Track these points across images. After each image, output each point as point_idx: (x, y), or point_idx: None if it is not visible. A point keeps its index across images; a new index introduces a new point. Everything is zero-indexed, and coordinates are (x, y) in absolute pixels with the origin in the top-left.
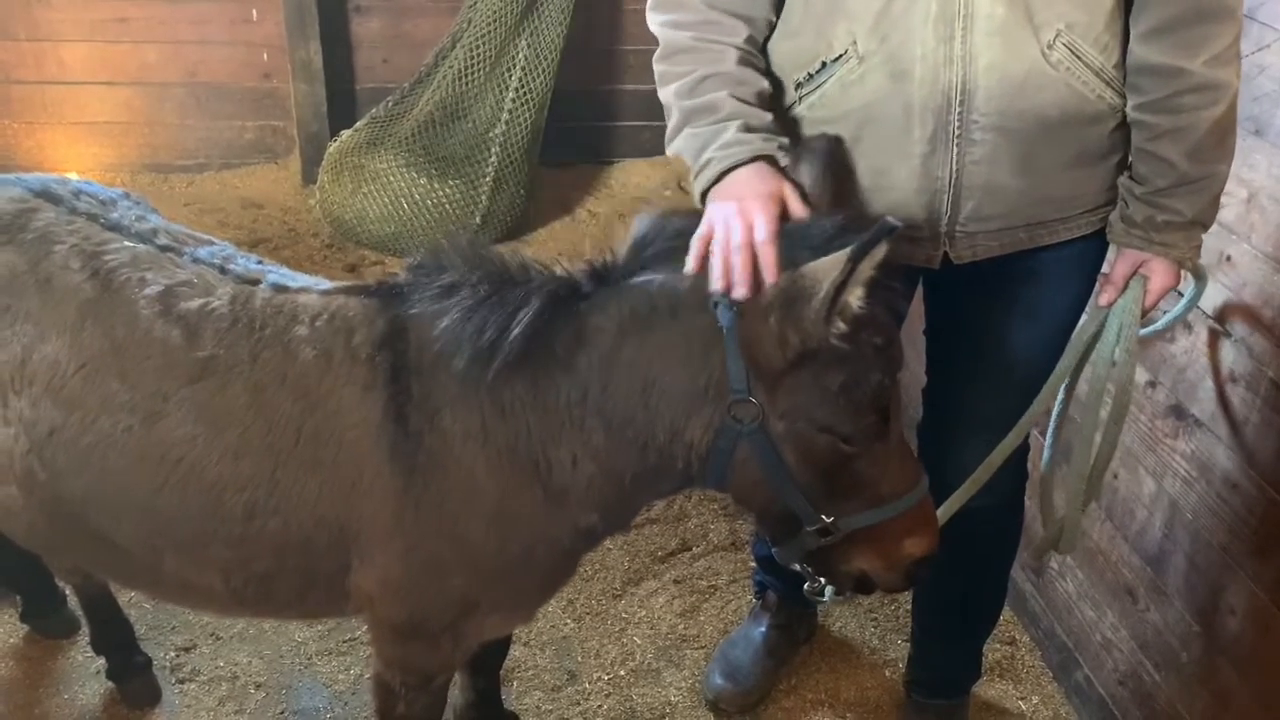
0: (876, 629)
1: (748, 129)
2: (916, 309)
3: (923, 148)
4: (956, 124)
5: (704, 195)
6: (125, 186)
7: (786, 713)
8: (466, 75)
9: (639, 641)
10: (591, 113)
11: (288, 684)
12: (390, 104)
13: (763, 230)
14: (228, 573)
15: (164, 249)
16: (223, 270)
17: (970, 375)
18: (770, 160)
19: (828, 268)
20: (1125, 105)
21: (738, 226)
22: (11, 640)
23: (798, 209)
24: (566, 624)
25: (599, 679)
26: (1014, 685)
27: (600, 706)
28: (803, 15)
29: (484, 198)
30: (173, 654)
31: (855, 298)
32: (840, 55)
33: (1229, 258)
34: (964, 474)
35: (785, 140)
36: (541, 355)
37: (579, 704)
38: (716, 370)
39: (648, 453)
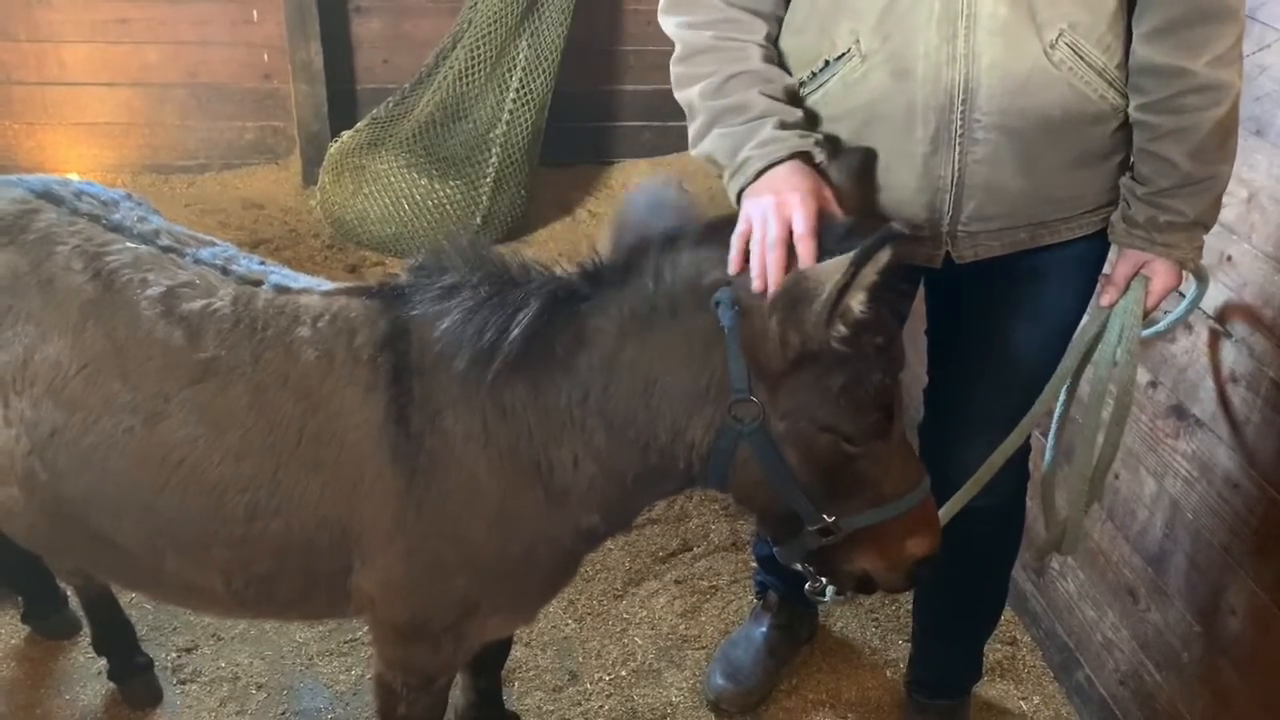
0: (878, 629)
1: (782, 126)
2: (918, 308)
3: (925, 147)
4: (959, 123)
5: (738, 194)
6: (126, 187)
7: (788, 713)
8: (467, 76)
9: (640, 642)
10: (592, 113)
11: (289, 685)
12: (391, 104)
13: (801, 224)
14: (229, 574)
15: (166, 250)
16: (225, 271)
17: (972, 375)
18: (806, 157)
19: (830, 270)
20: (1127, 105)
21: (774, 222)
22: (13, 641)
23: (834, 207)
24: (568, 624)
25: (600, 679)
26: (1015, 685)
27: (601, 707)
28: (807, 12)
29: (485, 198)
30: (174, 655)
31: (857, 302)
32: (843, 54)
33: (1229, 258)
34: (966, 474)
35: (820, 137)
36: (542, 356)
37: (580, 704)
38: (718, 370)
39: (649, 453)
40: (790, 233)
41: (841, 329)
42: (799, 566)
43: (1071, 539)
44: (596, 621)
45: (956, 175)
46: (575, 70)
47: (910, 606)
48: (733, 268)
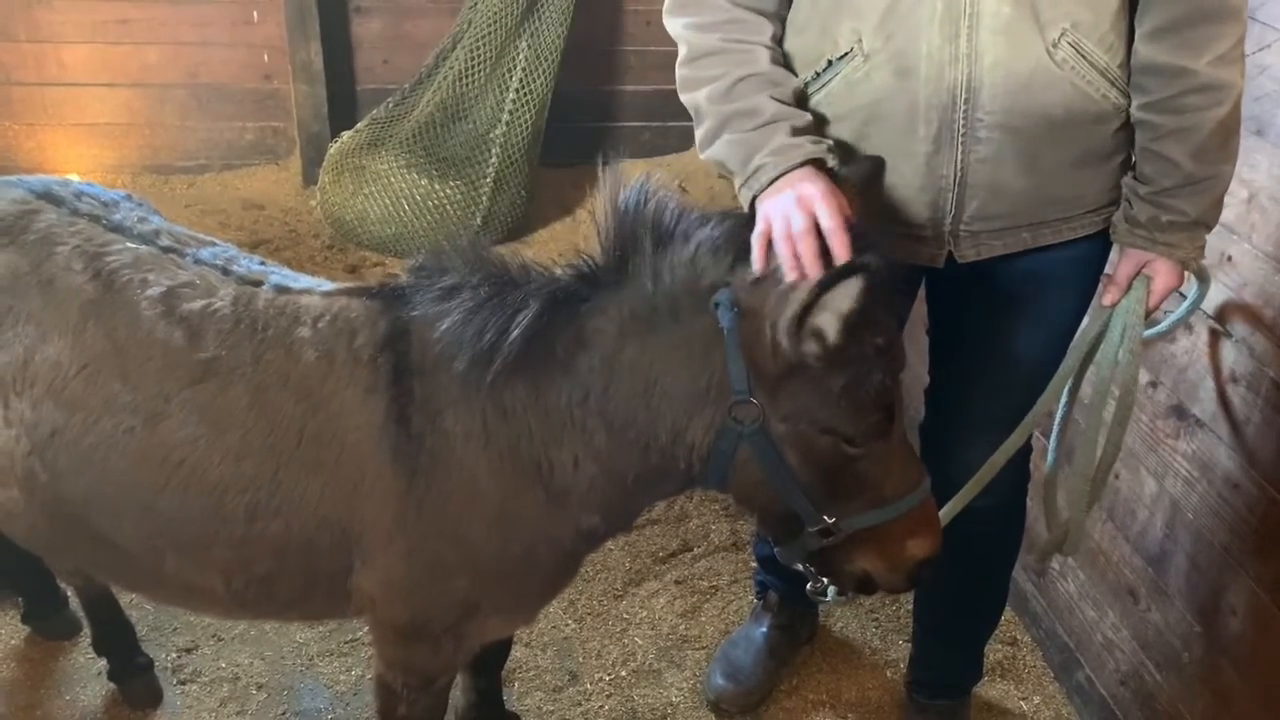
0: (878, 629)
1: (794, 132)
2: (919, 309)
3: (927, 146)
4: (961, 122)
5: (751, 200)
6: (126, 188)
7: (788, 713)
8: (467, 76)
9: (640, 642)
10: (592, 114)
11: (289, 685)
12: (391, 105)
13: (828, 218)
14: (229, 574)
15: (166, 250)
16: (225, 271)
17: (974, 375)
18: (819, 164)
19: (804, 287)
20: (1129, 105)
21: (799, 214)
22: (13, 642)
23: (847, 210)
24: (568, 625)
25: (600, 680)
26: (1015, 686)
27: (602, 707)
28: (809, 12)
29: (485, 199)
30: (174, 655)
31: (830, 327)
32: (846, 53)
33: (1230, 258)
34: (967, 474)
35: (831, 143)
36: (542, 357)
37: (580, 705)
38: (717, 371)
39: (649, 454)
40: (816, 223)
41: (813, 347)
42: (800, 567)
43: (1074, 540)
44: (597, 622)
45: (959, 174)
46: (575, 71)
47: (910, 607)
48: (757, 266)
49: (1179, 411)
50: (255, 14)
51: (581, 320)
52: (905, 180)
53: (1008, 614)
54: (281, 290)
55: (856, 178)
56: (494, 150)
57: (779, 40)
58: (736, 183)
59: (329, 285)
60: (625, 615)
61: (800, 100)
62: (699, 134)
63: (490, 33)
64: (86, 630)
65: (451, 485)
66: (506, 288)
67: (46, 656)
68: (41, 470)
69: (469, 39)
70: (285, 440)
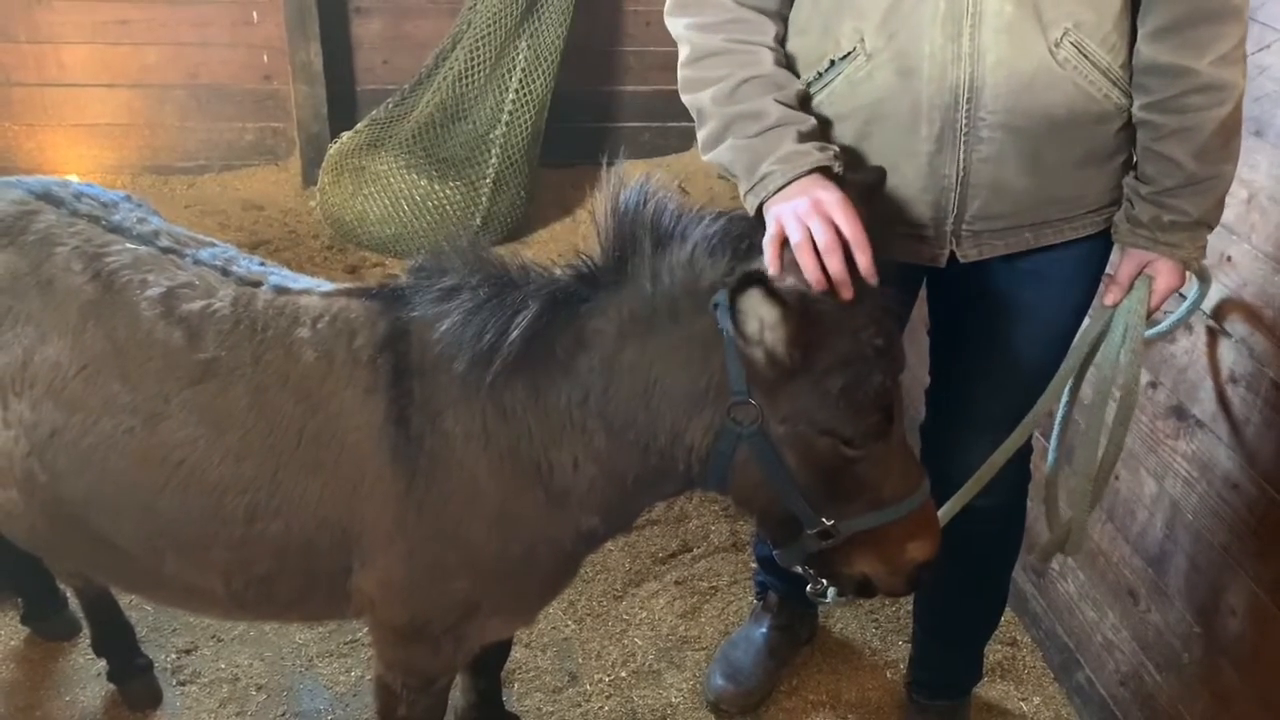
0: (878, 630)
1: (800, 137)
2: (920, 308)
3: (930, 145)
4: (964, 122)
5: (758, 205)
6: (126, 188)
7: (788, 713)
8: (467, 77)
9: (640, 643)
10: (592, 114)
11: (289, 686)
12: (390, 105)
13: (849, 228)
14: (229, 575)
15: (166, 251)
16: (225, 272)
17: (974, 375)
18: (825, 170)
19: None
20: (1131, 105)
21: (820, 225)
22: (13, 642)
23: (864, 219)
24: (568, 625)
25: (600, 680)
26: (1015, 686)
27: (601, 708)
28: (810, 11)
29: (484, 199)
30: (174, 656)
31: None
32: (848, 53)
33: (1229, 258)
34: (968, 474)
35: (837, 149)
36: (542, 358)
37: (580, 705)
38: (717, 372)
39: (649, 455)
40: (838, 233)
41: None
42: (799, 569)
43: (1075, 540)
44: (596, 622)
45: (961, 174)
46: (575, 71)
47: (910, 607)
48: (772, 270)
49: (1179, 412)
50: (255, 14)
51: (581, 321)
52: (907, 180)
53: (1008, 614)
54: (281, 291)
55: (861, 185)
56: (494, 151)
57: (782, 40)
58: (741, 188)
59: (328, 286)
60: (625, 616)
61: (804, 102)
62: (702, 135)
63: (490, 33)
64: (86, 631)
65: (451, 486)
66: (506, 288)
67: (46, 657)
68: (41, 471)
69: (469, 39)
70: (285, 441)
